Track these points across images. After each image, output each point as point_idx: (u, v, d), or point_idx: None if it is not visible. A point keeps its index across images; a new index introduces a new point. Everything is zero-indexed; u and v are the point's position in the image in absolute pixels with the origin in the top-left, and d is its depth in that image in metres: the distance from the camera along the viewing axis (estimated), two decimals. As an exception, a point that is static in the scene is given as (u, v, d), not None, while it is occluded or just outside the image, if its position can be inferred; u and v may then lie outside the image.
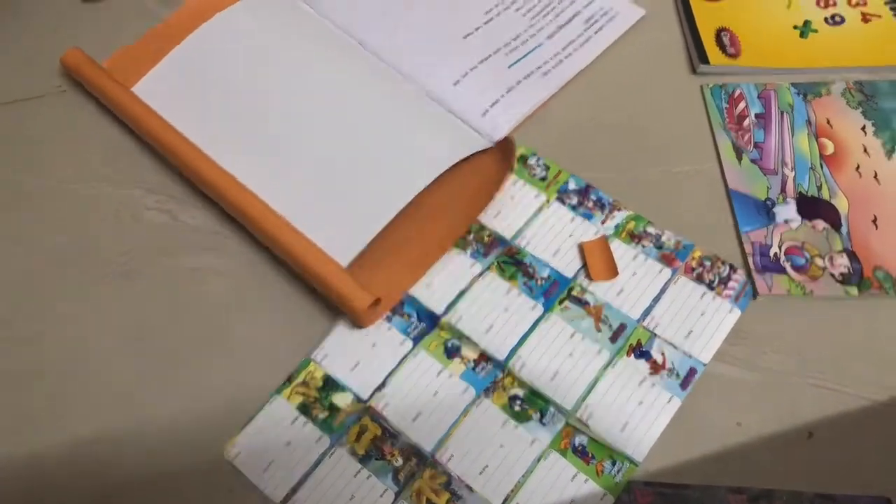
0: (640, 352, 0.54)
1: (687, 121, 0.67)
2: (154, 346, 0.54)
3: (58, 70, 0.67)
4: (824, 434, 0.52)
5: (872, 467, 0.51)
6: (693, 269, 0.57)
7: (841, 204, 0.61)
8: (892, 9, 0.74)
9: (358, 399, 0.52)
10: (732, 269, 0.57)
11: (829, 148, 0.65)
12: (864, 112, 0.67)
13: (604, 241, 0.58)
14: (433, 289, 0.56)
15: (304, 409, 0.52)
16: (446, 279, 0.57)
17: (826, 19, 0.73)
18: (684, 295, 0.56)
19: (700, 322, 0.55)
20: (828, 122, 0.66)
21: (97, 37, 0.68)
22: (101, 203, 0.61)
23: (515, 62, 0.69)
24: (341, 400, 0.52)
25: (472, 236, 0.59)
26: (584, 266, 0.58)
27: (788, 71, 0.70)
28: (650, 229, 0.59)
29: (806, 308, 0.57)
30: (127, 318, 0.56)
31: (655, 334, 0.55)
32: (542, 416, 0.52)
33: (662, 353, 0.54)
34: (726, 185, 0.62)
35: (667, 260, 0.58)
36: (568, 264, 0.58)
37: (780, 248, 0.59)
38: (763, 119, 0.66)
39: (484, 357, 0.54)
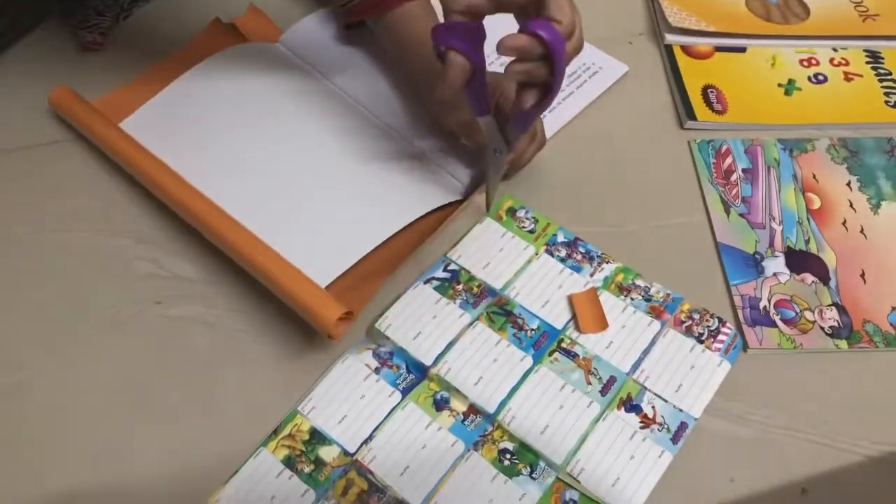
0: (631, 405, 0.53)
1: (675, 175, 0.68)
2: (139, 398, 0.54)
3: (52, 119, 0.68)
4: (818, 490, 0.51)
5: (867, 524, 0.51)
6: (682, 322, 0.57)
7: (829, 258, 0.62)
8: (872, 68, 0.76)
9: (345, 452, 0.51)
10: (721, 322, 0.57)
11: (816, 202, 0.66)
12: (849, 168, 0.68)
13: (593, 294, 0.58)
14: (422, 339, 0.56)
15: (290, 462, 0.51)
16: (435, 329, 0.56)
17: (809, 78, 0.75)
18: (674, 348, 0.56)
19: (690, 375, 0.55)
20: (814, 177, 0.67)
21: (95, 86, 0.69)
22: (90, 252, 0.61)
23: None
24: (328, 453, 0.51)
25: (461, 286, 0.59)
26: (574, 318, 0.57)
27: (774, 127, 0.71)
28: (639, 282, 0.60)
29: (796, 361, 0.57)
30: (112, 368, 0.55)
31: (646, 387, 0.54)
32: (532, 470, 0.51)
33: (653, 407, 0.53)
34: (715, 239, 0.63)
35: (655, 312, 0.58)
36: (557, 316, 0.58)
37: (769, 301, 0.59)
38: (750, 174, 0.67)
39: (473, 410, 0.53)
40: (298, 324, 0.56)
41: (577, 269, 0.60)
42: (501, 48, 0.47)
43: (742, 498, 0.51)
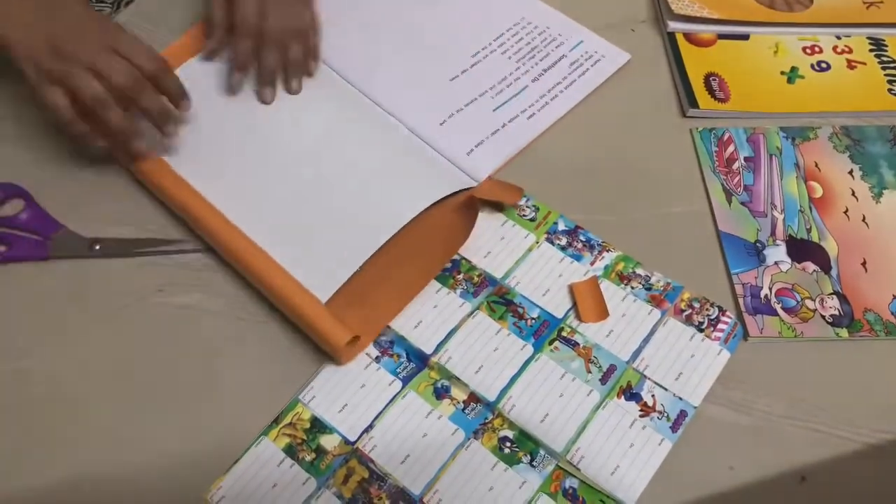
0: (631, 393, 0.54)
1: (677, 163, 0.67)
2: (140, 386, 0.54)
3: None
4: (817, 478, 0.52)
5: (866, 512, 0.51)
6: (682, 311, 0.57)
7: (830, 247, 0.62)
8: (876, 56, 0.75)
9: (346, 441, 0.52)
10: (721, 310, 0.57)
11: (818, 191, 0.65)
12: (852, 156, 0.68)
13: (594, 282, 0.58)
14: (423, 328, 0.56)
15: (291, 450, 0.51)
16: (436, 319, 0.56)
17: (812, 66, 0.75)
18: (674, 337, 0.56)
19: (690, 364, 0.55)
20: (816, 165, 0.67)
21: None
22: (92, 241, 0.61)
23: (501, 105, 0.70)
24: (328, 442, 0.52)
25: (461, 276, 0.59)
26: (574, 307, 0.57)
27: (777, 115, 0.71)
28: (639, 270, 0.60)
29: (796, 350, 0.57)
30: (114, 356, 0.55)
31: (645, 376, 0.54)
32: (533, 458, 0.51)
33: (653, 395, 0.53)
34: (716, 227, 0.63)
35: (656, 301, 0.58)
36: (558, 305, 0.58)
37: (770, 289, 0.59)
38: (752, 162, 0.67)
39: (473, 398, 0.53)
40: (299, 313, 0.56)
41: (578, 258, 0.60)
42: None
43: (741, 486, 0.51)
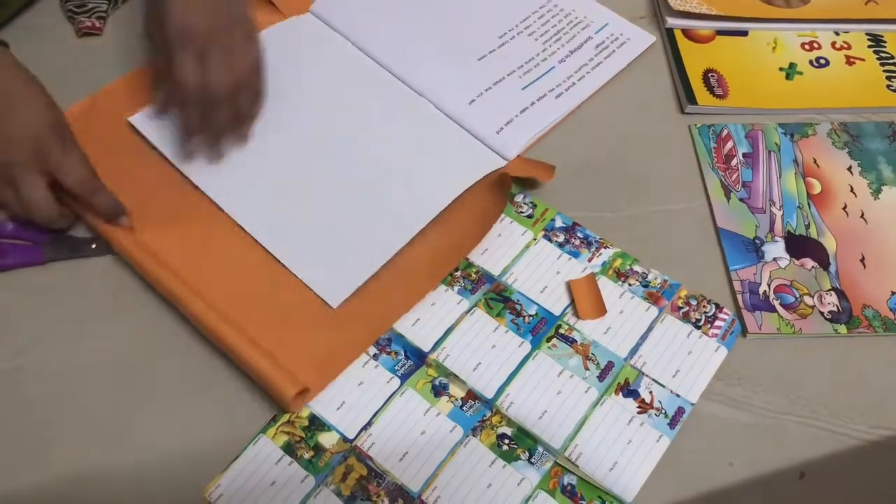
0: (628, 390, 0.54)
1: (675, 160, 0.67)
2: (139, 383, 0.54)
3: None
4: (816, 474, 0.52)
5: (865, 508, 0.51)
6: (679, 308, 0.57)
7: (829, 243, 0.62)
8: (875, 52, 0.75)
9: (344, 438, 0.52)
10: (718, 308, 0.57)
11: (817, 187, 0.65)
12: (850, 152, 0.68)
13: (592, 279, 0.58)
14: (421, 326, 0.56)
15: (289, 448, 0.51)
16: (434, 316, 0.56)
17: (811, 62, 0.75)
18: (671, 334, 0.56)
19: (687, 361, 0.55)
20: (814, 161, 0.67)
21: (94, 73, 0.69)
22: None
23: (528, 84, 0.71)
24: (327, 440, 0.52)
25: (459, 273, 0.59)
26: (572, 304, 0.57)
27: (775, 112, 0.71)
28: (636, 267, 0.59)
29: (795, 346, 0.57)
30: (112, 353, 0.55)
31: (643, 373, 0.54)
32: (531, 455, 0.51)
33: (650, 392, 0.53)
34: (715, 223, 0.63)
35: (653, 298, 0.58)
36: (555, 302, 0.58)
37: (769, 286, 0.59)
38: (751, 158, 0.67)
39: (472, 395, 0.53)
40: (297, 310, 0.56)
41: (575, 255, 0.60)
42: None
43: (740, 482, 0.51)
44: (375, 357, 0.55)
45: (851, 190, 0.65)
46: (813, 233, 0.62)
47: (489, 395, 0.53)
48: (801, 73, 0.74)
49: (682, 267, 0.60)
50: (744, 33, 0.77)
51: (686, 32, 0.77)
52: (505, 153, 0.65)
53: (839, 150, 0.68)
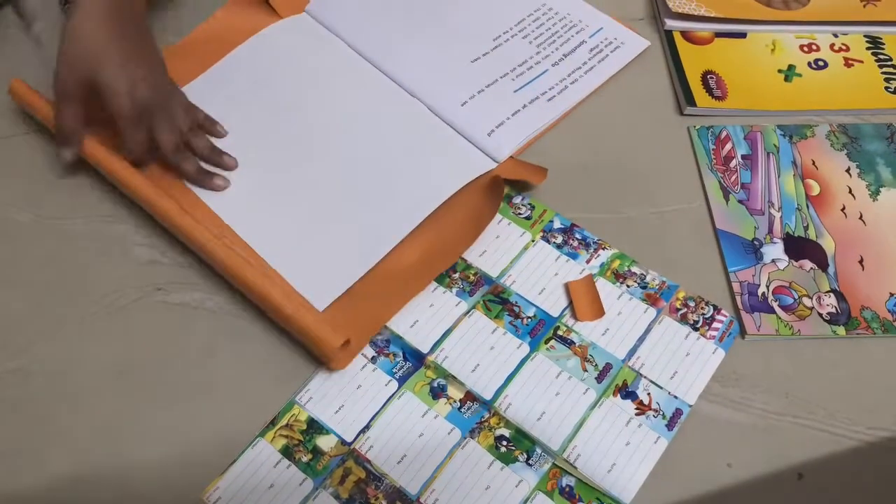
0: (626, 392, 0.54)
1: (674, 161, 0.67)
2: (138, 385, 0.54)
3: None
4: (815, 475, 0.51)
5: (863, 510, 0.51)
6: (677, 310, 0.57)
7: (828, 244, 0.62)
8: (873, 54, 0.75)
9: (342, 441, 0.52)
10: (716, 309, 0.57)
11: (815, 189, 0.65)
12: (849, 154, 0.68)
13: (590, 281, 0.58)
14: (419, 328, 0.56)
15: (288, 452, 0.51)
16: (432, 318, 0.56)
17: (809, 64, 0.75)
18: (669, 335, 0.56)
19: (685, 363, 0.55)
20: (813, 163, 0.67)
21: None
22: (91, 239, 0.61)
23: (521, 87, 0.71)
24: (325, 443, 0.52)
25: (457, 275, 0.59)
26: (570, 305, 0.57)
27: (774, 113, 0.71)
28: (634, 269, 0.60)
29: (793, 348, 0.57)
30: (112, 355, 0.55)
31: (641, 374, 0.54)
32: (529, 456, 0.51)
33: (648, 394, 0.53)
34: (714, 225, 0.63)
35: (651, 300, 0.58)
36: (554, 303, 0.58)
37: (767, 287, 0.59)
38: (749, 160, 0.67)
39: (470, 397, 0.53)
40: (296, 313, 0.56)
41: (574, 256, 0.60)
42: None
43: (739, 483, 0.51)
44: (373, 360, 0.55)
45: (850, 191, 0.65)
46: (812, 234, 0.62)
47: (487, 396, 0.53)
48: (799, 75, 0.74)
49: (680, 268, 0.60)
50: (742, 35, 0.77)
51: (685, 34, 0.77)
52: (496, 155, 0.65)
53: (838, 151, 0.68)
